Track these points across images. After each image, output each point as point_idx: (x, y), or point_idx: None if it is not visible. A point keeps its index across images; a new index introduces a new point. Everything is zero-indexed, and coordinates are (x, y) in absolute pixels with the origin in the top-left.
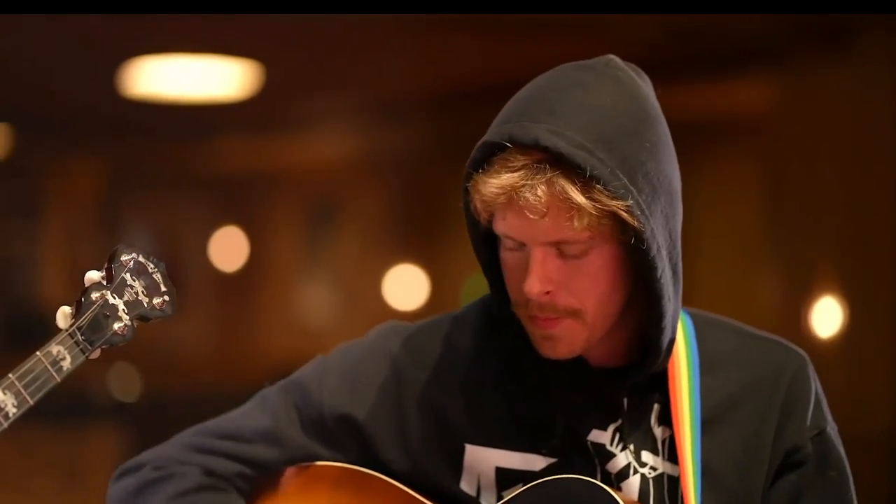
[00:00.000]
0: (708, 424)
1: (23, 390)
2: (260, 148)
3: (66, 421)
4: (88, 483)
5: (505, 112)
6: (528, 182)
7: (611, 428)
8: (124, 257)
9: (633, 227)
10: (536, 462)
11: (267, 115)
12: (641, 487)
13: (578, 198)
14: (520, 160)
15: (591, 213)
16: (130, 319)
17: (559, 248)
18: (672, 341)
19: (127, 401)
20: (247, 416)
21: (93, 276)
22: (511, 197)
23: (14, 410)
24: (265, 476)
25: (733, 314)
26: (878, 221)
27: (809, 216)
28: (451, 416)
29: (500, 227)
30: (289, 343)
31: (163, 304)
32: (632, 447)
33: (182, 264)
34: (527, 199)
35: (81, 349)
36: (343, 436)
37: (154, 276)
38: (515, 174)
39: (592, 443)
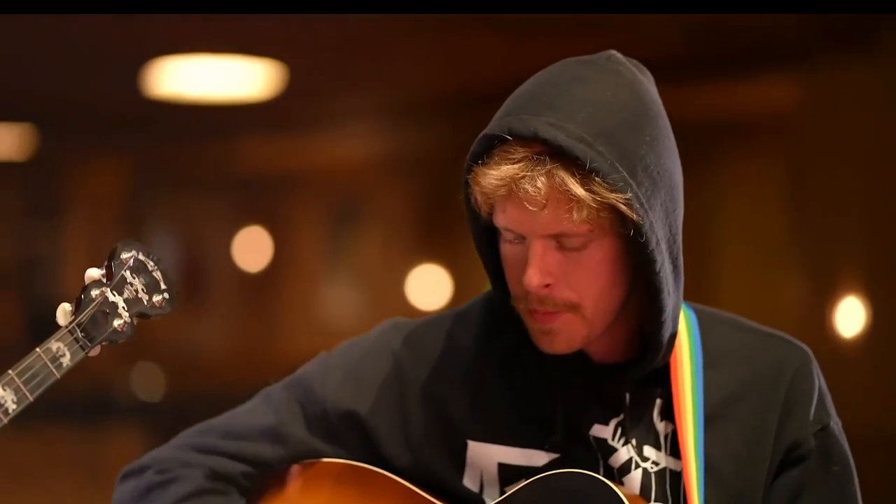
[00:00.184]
0: (710, 420)
1: (22, 386)
2: (283, 148)
3: (89, 421)
4: (111, 483)
5: (505, 106)
6: (528, 173)
7: (612, 423)
8: (124, 255)
9: (633, 221)
10: (538, 457)
11: (290, 115)
12: (643, 482)
13: (578, 190)
14: (520, 152)
15: (590, 206)
16: (130, 317)
17: (559, 240)
18: (674, 336)
19: (150, 401)
20: (250, 413)
21: (93, 273)
22: (511, 188)
23: (14, 407)
24: (268, 474)
25: (756, 313)
26: None
27: (833, 215)
28: (453, 412)
29: (500, 219)
30: (312, 343)
31: (162, 301)
32: (634, 442)
33: (205, 264)
34: (526, 191)
35: (81, 346)
36: (346, 432)
37: (154, 273)
38: (515, 166)
39: (594, 437)
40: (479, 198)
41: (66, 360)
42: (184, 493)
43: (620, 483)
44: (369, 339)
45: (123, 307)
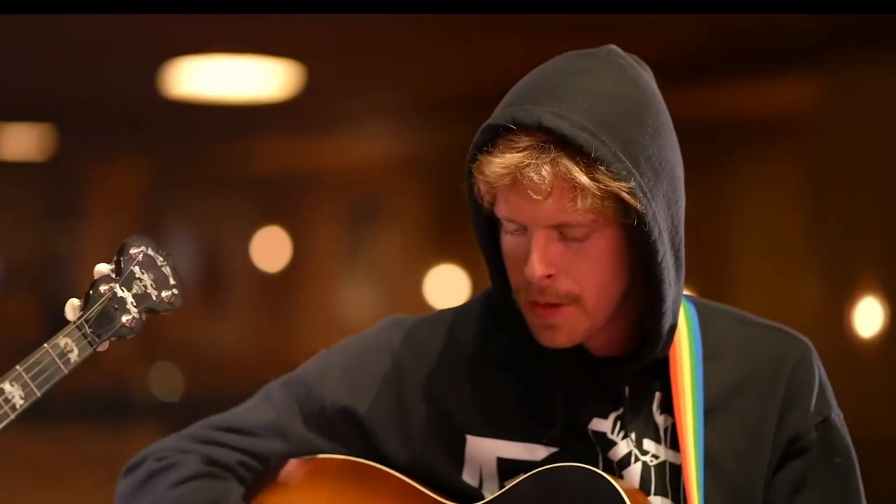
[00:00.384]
0: (711, 413)
1: (30, 382)
2: (301, 148)
3: (109, 420)
4: None
5: (508, 96)
6: (533, 161)
7: (612, 416)
8: (133, 250)
9: (636, 210)
10: (538, 452)
11: (308, 115)
12: (643, 475)
13: (582, 178)
14: (524, 141)
15: (594, 194)
16: (139, 312)
17: (561, 231)
18: (673, 328)
19: (169, 400)
20: (250, 410)
21: (102, 268)
22: (515, 177)
23: (21, 402)
24: (267, 470)
25: (775, 313)
26: None
27: (852, 216)
28: (451, 407)
29: (503, 210)
30: (330, 343)
31: (171, 297)
32: (633, 435)
33: (224, 264)
34: (531, 179)
35: (89, 341)
36: (345, 429)
37: (163, 269)
38: (520, 154)
39: (593, 431)
40: (482, 188)
41: (73, 356)
42: (180, 477)
43: (620, 476)
44: (368, 336)
45: (132, 303)
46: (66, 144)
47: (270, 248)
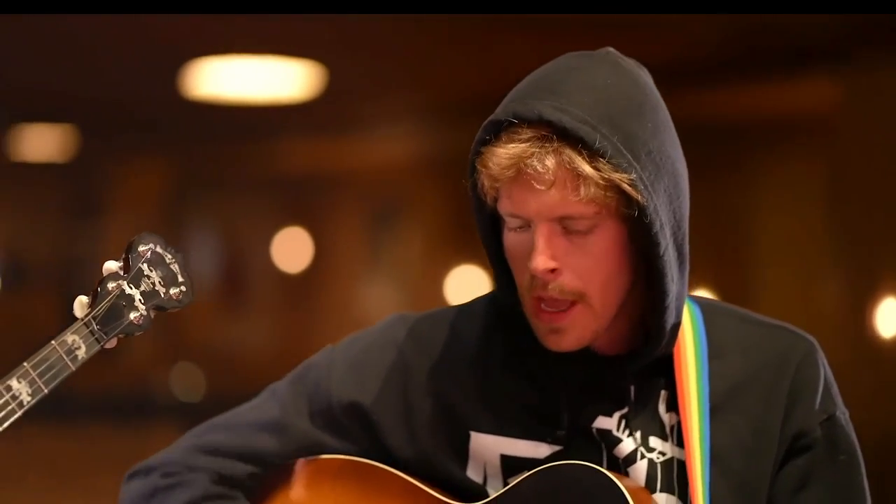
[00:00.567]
0: (716, 410)
1: (37, 379)
2: (323, 149)
3: (130, 420)
4: None
5: (509, 95)
6: (537, 150)
7: (616, 415)
8: (142, 248)
9: (637, 202)
10: (542, 449)
11: (330, 116)
12: (649, 472)
13: (585, 167)
14: (527, 132)
15: (597, 183)
16: (147, 309)
17: (564, 225)
18: (677, 326)
19: (190, 401)
20: (256, 409)
21: (110, 266)
22: (519, 168)
23: (29, 399)
24: (269, 472)
25: (796, 314)
26: None
27: (874, 216)
28: (456, 404)
29: (506, 205)
30: None
31: (179, 294)
32: (639, 433)
33: (245, 265)
34: (535, 168)
35: (97, 338)
36: (350, 424)
37: (171, 266)
38: (523, 144)
39: (598, 429)
40: (485, 182)
41: (81, 353)
42: (189, 498)
43: (625, 474)
44: (374, 332)
45: (140, 300)
46: (88, 145)
47: (292, 249)
